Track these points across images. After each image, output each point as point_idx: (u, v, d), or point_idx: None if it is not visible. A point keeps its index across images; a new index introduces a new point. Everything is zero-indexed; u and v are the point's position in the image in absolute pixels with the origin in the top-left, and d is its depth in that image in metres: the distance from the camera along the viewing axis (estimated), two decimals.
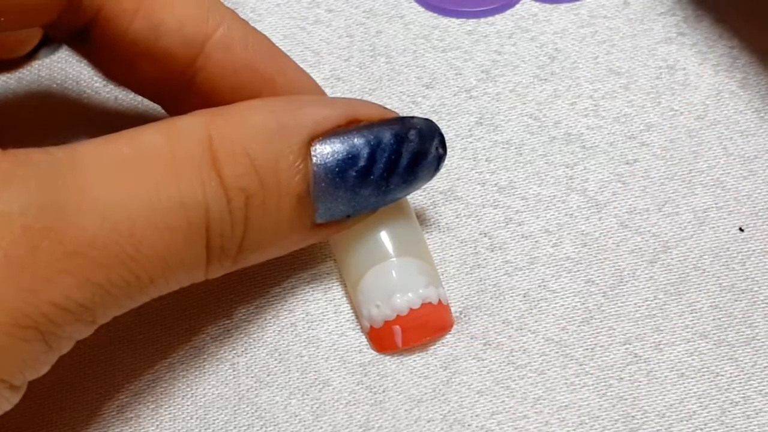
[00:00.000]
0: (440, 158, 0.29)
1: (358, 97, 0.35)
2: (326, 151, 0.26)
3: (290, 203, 0.26)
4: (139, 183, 0.24)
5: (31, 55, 0.35)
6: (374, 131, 0.27)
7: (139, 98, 0.34)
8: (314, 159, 0.26)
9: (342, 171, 0.27)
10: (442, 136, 0.29)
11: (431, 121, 0.29)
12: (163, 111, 0.31)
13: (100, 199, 0.23)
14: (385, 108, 0.29)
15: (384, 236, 0.29)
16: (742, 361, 0.29)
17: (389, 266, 0.29)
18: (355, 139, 0.27)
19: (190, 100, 0.29)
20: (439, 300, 0.30)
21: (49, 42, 0.35)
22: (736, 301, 0.30)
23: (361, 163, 0.27)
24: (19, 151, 0.23)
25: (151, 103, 0.33)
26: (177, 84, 0.29)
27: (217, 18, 0.28)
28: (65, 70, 0.35)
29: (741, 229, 0.32)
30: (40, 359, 0.23)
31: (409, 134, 0.28)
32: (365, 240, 0.29)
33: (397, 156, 0.27)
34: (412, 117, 0.28)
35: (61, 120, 0.34)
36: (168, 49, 0.28)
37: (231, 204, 0.25)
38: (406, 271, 0.29)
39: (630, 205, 0.32)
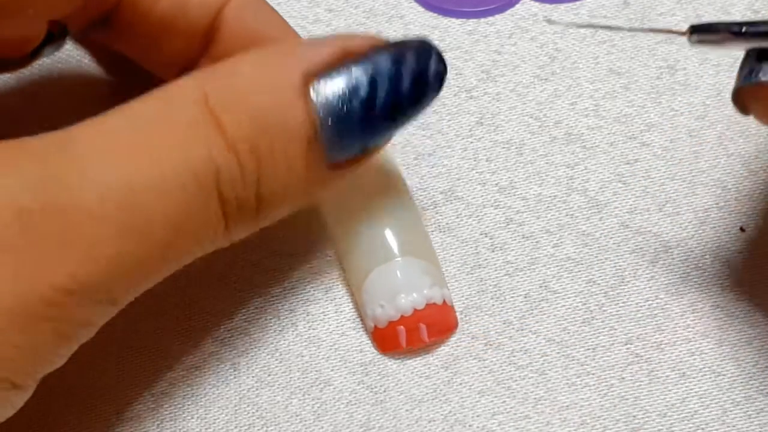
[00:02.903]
0: (441, 73, 0.27)
1: None
2: (326, 86, 0.25)
3: (299, 144, 0.25)
4: (138, 150, 0.23)
5: (34, 54, 0.35)
6: (371, 59, 0.26)
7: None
8: (315, 98, 0.25)
9: (345, 104, 0.25)
10: (439, 52, 0.27)
11: (425, 40, 0.28)
12: None
13: (96, 174, 0.22)
14: (375, 36, 0.28)
15: (389, 236, 0.29)
16: (743, 360, 0.29)
17: (394, 266, 0.29)
18: (353, 70, 0.26)
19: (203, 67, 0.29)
20: (444, 301, 0.30)
21: (51, 40, 0.35)
22: (737, 300, 0.30)
23: (363, 93, 0.26)
24: (12, 140, 0.23)
25: None
26: (194, 54, 0.29)
27: None
28: (66, 70, 0.35)
29: (742, 229, 0.32)
30: (54, 351, 0.23)
31: (406, 56, 0.27)
32: (370, 240, 0.29)
33: (398, 79, 0.26)
34: (405, 39, 0.27)
35: (61, 120, 0.34)
36: (193, 21, 0.28)
37: (239, 156, 0.24)
38: (411, 272, 0.29)
39: (631, 205, 0.32)
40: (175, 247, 0.24)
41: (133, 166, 0.23)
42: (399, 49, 0.27)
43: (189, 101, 0.24)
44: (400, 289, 0.29)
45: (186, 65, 0.30)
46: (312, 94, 0.25)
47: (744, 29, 0.24)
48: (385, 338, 0.29)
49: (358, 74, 0.26)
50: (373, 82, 0.26)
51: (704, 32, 0.24)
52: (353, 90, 0.26)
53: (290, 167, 0.25)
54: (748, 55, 0.24)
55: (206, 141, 0.24)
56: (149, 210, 0.23)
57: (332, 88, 0.25)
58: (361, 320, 0.30)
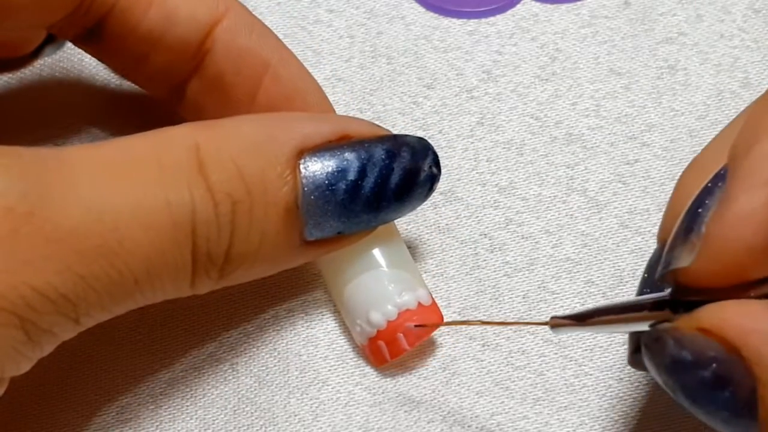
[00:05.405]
0: (433, 178, 0.28)
1: (359, 99, 0.35)
2: (315, 163, 0.26)
3: (278, 214, 0.26)
4: (124, 182, 0.24)
5: (35, 54, 0.35)
6: (365, 146, 0.27)
7: (140, 97, 0.34)
8: (303, 171, 0.26)
9: (331, 184, 0.26)
10: (435, 155, 0.28)
11: (424, 140, 0.28)
12: (161, 115, 0.31)
13: (85, 192, 0.23)
14: (378, 126, 0.28)
15: (348, 252, 0.29)
16: None
17: (360, 283, 0.29)
18: (346, 154, 0.26)
19: (196, 88, 0.30)
20: (419, 303, 0.29)
21: (53, 40, 0.35)
22: None
23: (351, 177, 0.26)
24: (7, 146, 0.23)
25: (153, 104, 0.33)
26: (185, 72, 0.29)
27: (226, 3, 0.29)
28: (67, 70, 0.35)
29: None
30: (19, 349, 0.23)
31: (401, 151, 0.27)
32: (336, 260, 0.29)
33: (388, 172, 0.27)
34: (405, 135, 0.28)
35: (62, 120, 0.34)
36: (181, 37, 0.29)
37: (218, 208, 0.24)
38: (378, 284, 0.29)
39: (630, 205, 0.32)
40: (142, 282, 0.24)
41: (118, 194, 0.23)
42: (396, 143, 0.27)
43: (181, 145, 0.25)
44: (371, 305, 0.28)
45: (176, 84, 0.30)
46: (301, 167, 0.26)
47: (590, 319, 0.24)
48: (372, 354, 0.29)
49: (351, 158, 0.26)
50: (362, 169, 0.27)
51: (560, 327, 0.25)
52: (341, 172, 0.26)
53: (265, 233, 0.26)
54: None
55: (188, 184, 0.24)
56: (126, 238, 0.23)
57: (322, 165, 0.26)
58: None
